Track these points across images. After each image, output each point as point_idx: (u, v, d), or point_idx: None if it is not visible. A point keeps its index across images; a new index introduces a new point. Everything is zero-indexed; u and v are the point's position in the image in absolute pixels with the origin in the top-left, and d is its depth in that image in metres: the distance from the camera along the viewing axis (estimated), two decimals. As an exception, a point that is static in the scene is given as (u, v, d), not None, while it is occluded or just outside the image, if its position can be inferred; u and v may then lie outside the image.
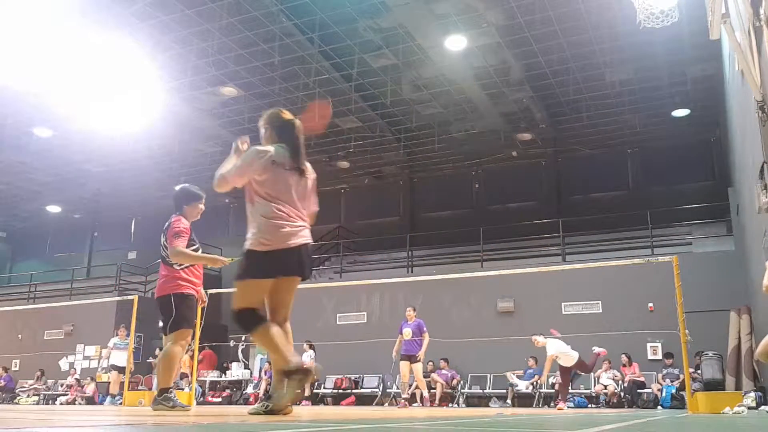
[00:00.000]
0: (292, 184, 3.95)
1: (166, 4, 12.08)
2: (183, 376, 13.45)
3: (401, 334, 10.73)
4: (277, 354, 3.86)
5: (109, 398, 15.64)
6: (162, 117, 15.83)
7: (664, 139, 17.60)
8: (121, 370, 13.24)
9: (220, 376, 17.13)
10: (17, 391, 17.96)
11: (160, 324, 6.43)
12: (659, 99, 15.83)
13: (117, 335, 14.52)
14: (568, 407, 11.18)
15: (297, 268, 3.89)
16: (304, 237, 3.93)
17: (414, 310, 11.08)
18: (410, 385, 11.37)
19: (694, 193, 16.59)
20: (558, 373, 13.43)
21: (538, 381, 13.74)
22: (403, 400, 11.08)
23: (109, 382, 14.63)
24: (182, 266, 5.63)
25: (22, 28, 11.95)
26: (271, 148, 3.95)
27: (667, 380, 12.41)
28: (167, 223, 5.56)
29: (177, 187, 5.95)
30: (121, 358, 13.20)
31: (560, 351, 10.32)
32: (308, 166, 4.15)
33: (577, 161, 18.85)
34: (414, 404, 12.38)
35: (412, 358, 10.60)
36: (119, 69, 13.46)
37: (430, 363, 14.00)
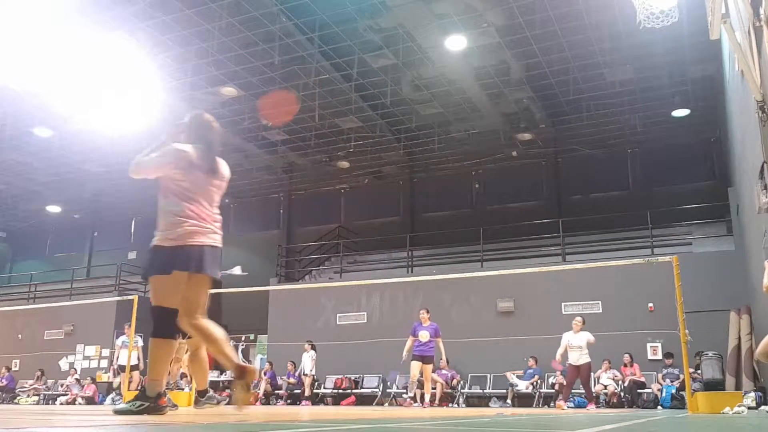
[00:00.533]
0: (206, 186, 4.04)
1: (166, 4, 12.08)
2: (183, 376, 13.41)
3: (414, 335, 10.71)
4: (153, 369, 4.03)
5: (109, 398, 15.65)
6: (162, 117, 15.82)
7: (664, 139, 17.60)
8: (131, 368, 12.94)
9: (220, 376, 17.13)
10: (17, 391, 17.96)
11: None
12: (659, 99, 15.83)
13: (125, 334, 14.20)
14: (568, 407, 11.20)
15: (196, 264, 3.95)
16: (212, 239, 4.00)
17: (428, 312, 11.06)
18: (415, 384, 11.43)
19: (694, 193, 16.58)
20: (558, 373, 13.47)
21: (538, 380, 13.76)
22: (409, 399, 11.14)
23: (124, 382, 14.18)
24: None
25: (22, 28, 11.95)
26: (189, 148, 4.03)
27: (667, 380, 12.41)
28: None
29: None
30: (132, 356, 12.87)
31: (589, 343, 10.51)
32: (224, 169, 4.21)
33: (577, 161, 18.86)
34: (414, 404, 12.39)
35: (425, 359, 10.62)
36: (119, 69, 13.46)
37: (430, 363, 14.02)
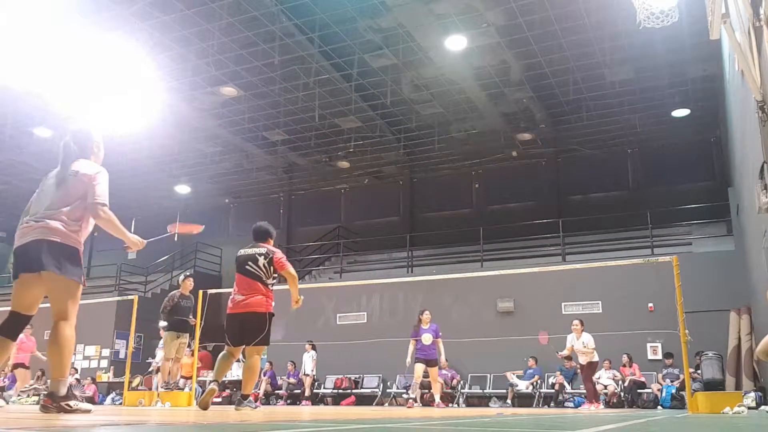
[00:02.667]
0: (48, 192, 4.33)
1: (166, 4, 12.07)
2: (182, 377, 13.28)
3: (418, 338, 10.69)
4: None
5: (109, 398, 15.67)
6: (162, 117, 15.82)
7: (664, 139, 17.60)
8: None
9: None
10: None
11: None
12: (659, 99, 15.82)
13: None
14: (567, 407, 11.21)
15: (24, 265, 4.12)
16: (32, 235, 4.13)
17: (430, 313, 11.01)
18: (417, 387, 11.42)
19: (694, 193, 16.58)
20: (558, 373, 13.48)
21: (538, 380, 13.76)
22: (411, 400, 11.14)
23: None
24: (271, 287, 6.42)
25: (22, 28, 11.95)
26: None
27: (667, 380, 12.42)
28: (265, 252, 6.43)
29: (266, 224, 6.87)
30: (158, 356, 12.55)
31: (591, 346, 10.51)
32: (80, 168, 4.37)
33: (577, 161, 18.85)
34: (415, 405, 12.39)
35: (429, 362, 10.60)
36: (119, 69, 13.45)
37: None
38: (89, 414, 4.11)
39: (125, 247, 4.57)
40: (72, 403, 4.07)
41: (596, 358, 10.82)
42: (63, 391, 4.08)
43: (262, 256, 6.41)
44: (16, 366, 13.10)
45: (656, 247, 14.41)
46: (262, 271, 6.34)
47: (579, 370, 11.22)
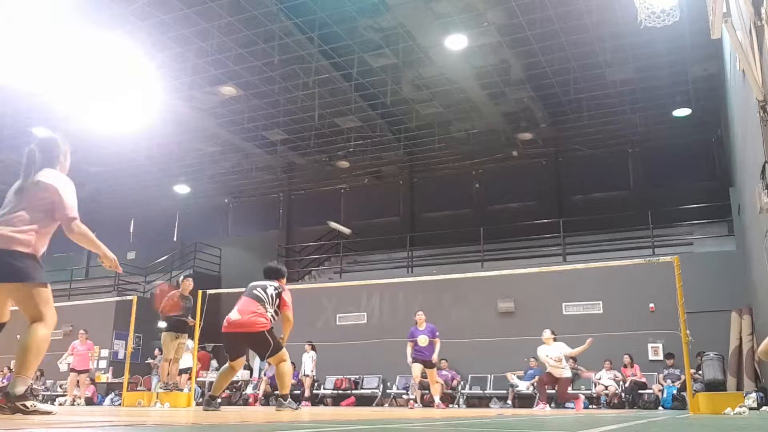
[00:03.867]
0: (7, 200, 4.27)
1: (165, 3, 12.04)
2: (183, 372, 13.07)
3: (414, 339, 10.63)
4: None
5: (108, 399, 15.63)
6: (161, 117, 15.78)
7: (665, 139, 17.56)
8: (182, 371, 12.23)
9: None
10: (16, 391, 17.90)
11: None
12: (660, 99, 15.79)
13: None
14: (568, 407, 11.16)
15: None
16: None
17: (424, 313, 10.95)
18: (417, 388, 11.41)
19: (696, 193, 16.54)
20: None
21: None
22: (412, 401, 11.11)
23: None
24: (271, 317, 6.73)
25: (22, 27, 11.91)
26: None
27: (668, 381, 12.38)
28: (276, 285, 6.85)
29: (277, 264, 7.39)
30: (187, 359, 12.35)
31: (567, 355, 10.35)
32: (42, 177, 4.32)
33: (577, 161, 18.81)
34: (415, 405, 12.36)
35: (426, 363, 10.57)
36: (118, 69, 13.41)
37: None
38: (51, 415, 3.87)
39: (99, 259, 4.55)
40: (29, 403, 3.85)
41: (568, 374, 10.54)
42: (20, 390, 3.86)
43: (273, 287, 6.78)
44: (73, 371, 13.74)
45: (657, 247, 14.38)
46: (268, 297, 6.64)
47: (545, 376, 10.87)
